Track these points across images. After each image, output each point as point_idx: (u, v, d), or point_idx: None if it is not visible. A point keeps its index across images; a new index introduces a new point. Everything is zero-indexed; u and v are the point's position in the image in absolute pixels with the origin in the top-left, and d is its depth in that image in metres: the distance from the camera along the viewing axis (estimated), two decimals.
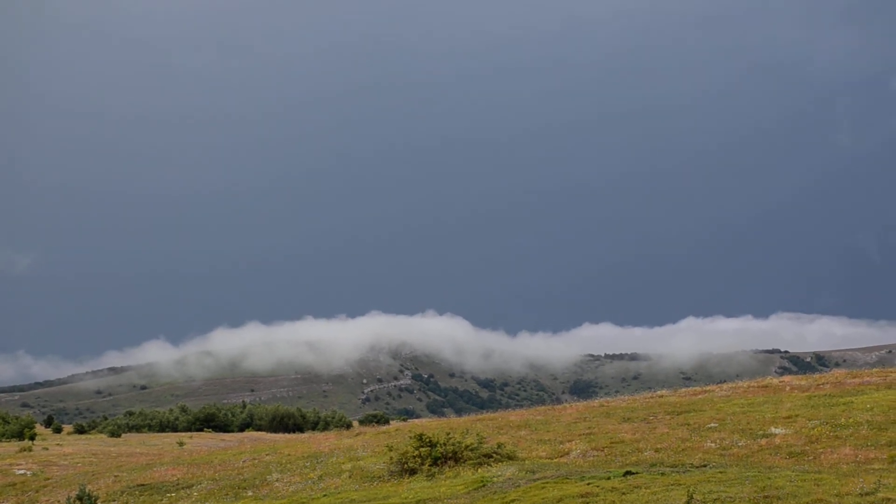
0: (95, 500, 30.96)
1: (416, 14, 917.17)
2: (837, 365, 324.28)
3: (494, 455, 28.79)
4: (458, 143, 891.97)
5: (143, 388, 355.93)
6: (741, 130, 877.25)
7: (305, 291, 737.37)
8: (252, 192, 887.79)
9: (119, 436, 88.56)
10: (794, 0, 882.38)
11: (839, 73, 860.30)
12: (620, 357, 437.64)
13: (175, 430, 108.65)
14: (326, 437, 49.05)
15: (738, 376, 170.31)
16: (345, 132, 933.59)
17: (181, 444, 73.50)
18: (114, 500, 34.85)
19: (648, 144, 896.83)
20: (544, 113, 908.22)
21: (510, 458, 28.83)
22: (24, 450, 63.06)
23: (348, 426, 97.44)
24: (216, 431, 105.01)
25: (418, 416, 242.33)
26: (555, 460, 28.92)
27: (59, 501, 36.84)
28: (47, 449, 65.76)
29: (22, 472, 48.13)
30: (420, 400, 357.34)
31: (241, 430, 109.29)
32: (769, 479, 20.96)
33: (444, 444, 29.22)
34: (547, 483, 23.32)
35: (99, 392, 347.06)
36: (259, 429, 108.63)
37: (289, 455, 38.61)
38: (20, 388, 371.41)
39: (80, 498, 30.55)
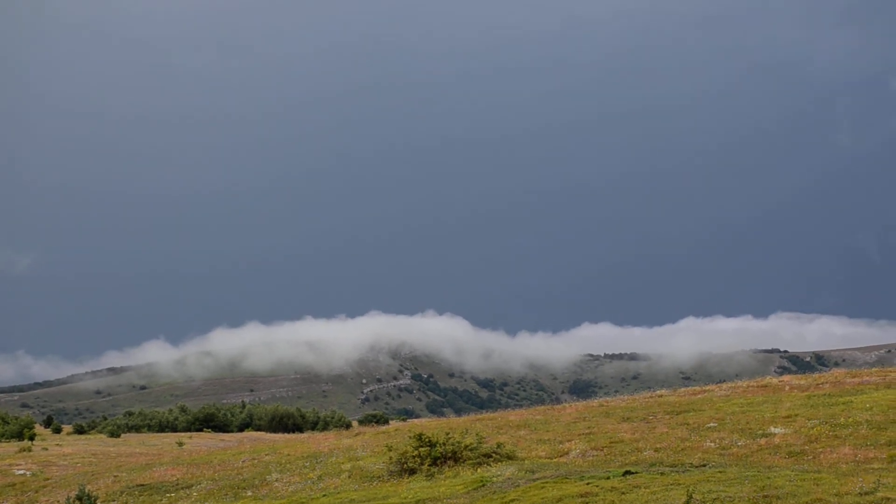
0: (95, 500, 30.96)
1: (416, 14, 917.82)
2: (837, 364, 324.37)
3: (494, 455, 28.80)
4: (457, 143, 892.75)
5: (143, 388, 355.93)
6: (741, 130, 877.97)
7: (305, 291, 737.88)
8: (251, 192, 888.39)
9: (118, 436, 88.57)
10: (794, 0, 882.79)
11: (839, 74, 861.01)
12: (620, 357, 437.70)
13: (174, 430, 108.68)
14: (326, 437, 49.05)
15: (738, 376, 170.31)
16: (344, 132, 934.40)
17: (180, 444, 73.51)
18: (113, 501, 34.85)
19: (648, 144, 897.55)
20: (544, 113, 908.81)
21: (509, 457, 28.84)
22: (24, 450, 63.07)
23: (348, 426, 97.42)
24: (215, 431, 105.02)
25: (418, 416, 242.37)
26: (554, 460, 28.92)
27: (58, 501, 36.84)
28: (47, 449, 65.77)
29: (21, 472, 48.13)
30: (419, 400, 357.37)
31: (241, 430, 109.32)
32: (768, 478, 20.97)
33: (444, 444, 29.23)
34: (546, 483, 23.33)
35: (98, 392, 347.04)
36: (258, 429, 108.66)
37: (288, 455, 38.62)
38: (20, 389, 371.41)
39: (79, 498, 30.54)
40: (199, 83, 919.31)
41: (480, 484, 24.93)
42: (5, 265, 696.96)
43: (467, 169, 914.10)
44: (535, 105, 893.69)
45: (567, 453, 29.86)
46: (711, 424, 31.71)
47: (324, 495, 27.83)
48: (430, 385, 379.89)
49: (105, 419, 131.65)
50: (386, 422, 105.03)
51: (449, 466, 28.41)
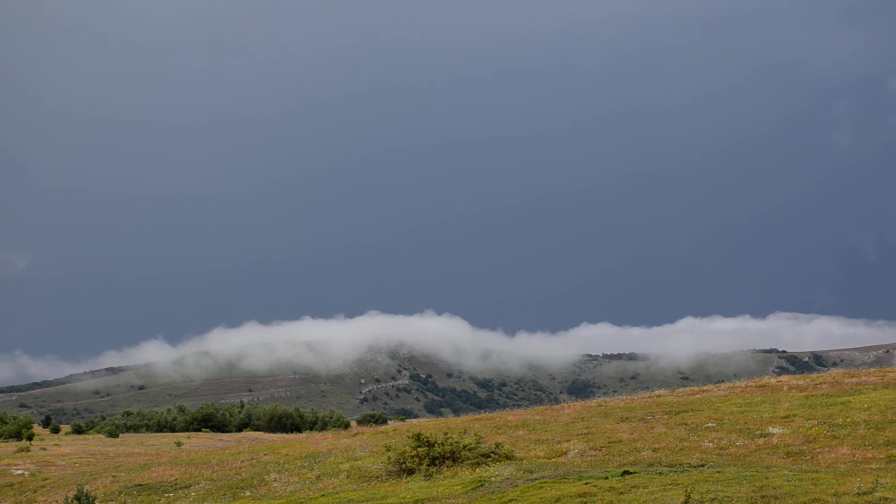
0: (93, 500, 30.94)
1: (416, 16, 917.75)
2: (835, 364, 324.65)
3: (492, 455, 28.81)
4: (457, 145, 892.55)
5: (141, 388, 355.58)
6: (739, 132, 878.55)
7: (303, 291, 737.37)
8: (250, 193, 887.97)
9: (117, 436, 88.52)
10: (794, 1, 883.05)
11: (839, 74, 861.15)
12: (618, 357, 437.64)
13: (173, 430, 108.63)
14: (324, 437, 49.04)
15: (736, 376, 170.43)
16: (343, 133, 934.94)
17: (179, 444, 73.47)
18: (112, 501, 34.83)
19: (647, 145, 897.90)
20: (543, 114, 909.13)
21: (508, 457, 28.85)
22: (22, 450, 63.03)
23: (346, 426, 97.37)
24: (214, 431, 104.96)
25: (416, 416, 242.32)
26: (552, 460, 28.93)
27: (56, 502, 36.83)
28: (45, 449, 65.72)
29: (20, 472, 48.09)
30: (418, 400, 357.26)
31: (239, 430, 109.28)
32: (767, 478, 20.99)
33: (442, 444, 29.24)
34: (545, 483, 23.34)
35: (97, 392, 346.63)
36: (257, 429, 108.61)
37: (287, 455, 38.62)
38: (18, 389, 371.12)
39: (77, 498, 30.52)
40: (197, 85, 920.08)
41: (479, 484, 24.94)
42: (4, 265, 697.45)
43: (466, 170, 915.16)
44: (535, 106, 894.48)
45: (565, 453, 29.88)
46: (710, 424, 31.73)
47: (322, 495, 27.83)
48: (428, 385, 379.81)
49: (103, 419, 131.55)
50: (384, 422, 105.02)
51: (447, 466, 28.42)
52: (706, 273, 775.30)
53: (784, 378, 45.24)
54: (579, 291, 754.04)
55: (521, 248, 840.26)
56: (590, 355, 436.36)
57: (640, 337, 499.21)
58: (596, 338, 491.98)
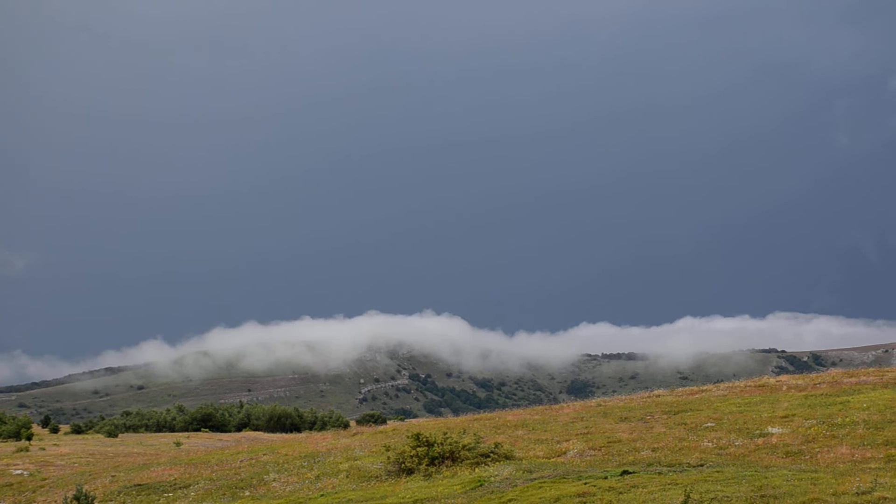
0: (92, 500, 30.93)
1: (417, 16, 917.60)
2: (834, 364, 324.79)
3: (492, 455, 28.82)
4: (456, 145, 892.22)
5: (140, 388, 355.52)
6: (740, 132, 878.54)
7: (303, 291, 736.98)
8: (249, 194, 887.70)
9: (116, 436, 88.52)
10: (794, 1, 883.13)
11: (839, 74, 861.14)
12: (618, 357, 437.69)
13: (172, 430, 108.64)
14: (324, 436, 49.06)
15: (735, 376, 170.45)
16: (343, 133, 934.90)
17: (178, 444, 73.46)
18: (111, 500, 34.83)
19: (646, 146, 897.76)
20: (543, 114, 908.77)
21: (507, 457, 28.85)
22: (21, 450, 63.01)
23: (345, 426, 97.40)
24: (213, 431, 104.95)
25: (415, 416, 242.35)
26: (552, 460, 28.94)
27: (55, 501, 36.82)
28: (44, 449, 65.71)
29: (19, 472, 48.08)
30: (417, 400, 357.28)
31: (239, 430, 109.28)
32: (766, 478, 21.00)
33: (442, 444, 29.25)
34: (544, 483, 23.34)
35: (96, 392, 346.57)
36: (256, 429, 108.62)
37: (286, 455, 38.62)
38: (17, 389, 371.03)
39: (76, 498, 30.52)
40: (196, 85, 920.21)
41: (478, 484, 24.94)
42: (3, 265, 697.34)
43: (465, 170, 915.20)
44: (535, 106, 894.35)
45: (565, 453, 29.88)
46: (709, 424, 31.74)
47: (321, 495, 27.83)
48: (427, 385, 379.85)
49: (102, 419, 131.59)
50: (384, 422, 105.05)
51: (447, 466, 28.43)
52: (705, 273, 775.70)
53: (783, 378, 45.27)
54: (579, 291, 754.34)
55: (520, 248, 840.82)
56: (589, 355, 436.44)
57: (640, 337, 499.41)
58: (595, 338, 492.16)
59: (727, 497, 19.24)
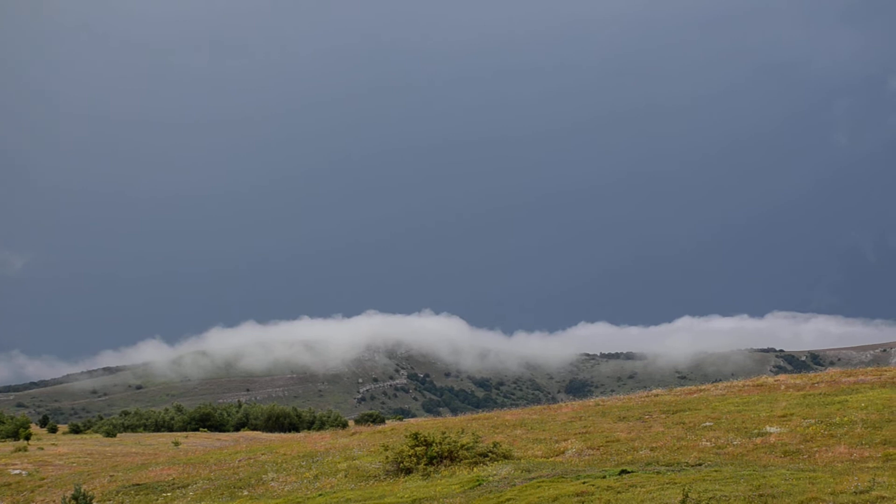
0: (91, 499, 30.92)
1: (417, 16, 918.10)
2: (832, 364, 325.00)
3: (490, 454, 28.82)
4: (456, 145, 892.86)
5: (139, 387, 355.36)
6: (740, 132, 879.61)
7: (301, 291, 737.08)
8: (248, 194, 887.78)
9: (114, 435, 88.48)
10: (794, 1, 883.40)
11: (839, 74, 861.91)
12: (616, 356, 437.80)
13: (170, 429, 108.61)
14: (322, 436, 49.05)
15: (734, 375, 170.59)
16: (343, 133, 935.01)
17: (177, 443, 73.42)
18: (109, 500, 34.82)
19: (645, 146, 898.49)
20: (544, 114, 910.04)
21: (506, 457, 28.86)
22: (20, 450, 62.97)
23: (344, 426, 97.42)
24: (212, 431, 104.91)
25: (414, 416, 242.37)
26: (550, 459, 28.95)
27: (54, 501, 36.81)
28: (42, 449, 65.67)
29: (17, 472, 48.04)
30: (416, 399, 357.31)
31: (237, 429, 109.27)
32: (764, 477, 21.02)
33: (440, 444, 29.25)
34: (542, 482, 23.35)
35: (94, 392, 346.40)
36: (255, 428, 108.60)
37: (284, 454, 38.61)
38: (15, 388, 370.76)
39: (75, 498, 30.50)
40: (196, 85, 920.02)
41: (477, 483, 24.95)
42: (1, 265, 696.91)
43: (464, 170, 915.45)
44: (535, 106, 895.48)
45: (563, 452, 29.89)
46: (707, 424, 31.75)
47: (320, 494, 27.83)
48: (426, 384, 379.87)
49: (101, 419, 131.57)
50: (382, 421, 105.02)
51: (445, 466, 28.43)
52: (704, 273, 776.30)
53: (781, 377, 45.29)
54: (577, 291, 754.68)
55: (519, 248, 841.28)
56: (588, 355, 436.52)
57: (638, 336, 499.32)
58: (594, 337, 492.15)
59: (725, 496, 19.25)
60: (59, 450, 65.03)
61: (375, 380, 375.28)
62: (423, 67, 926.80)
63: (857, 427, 27.84)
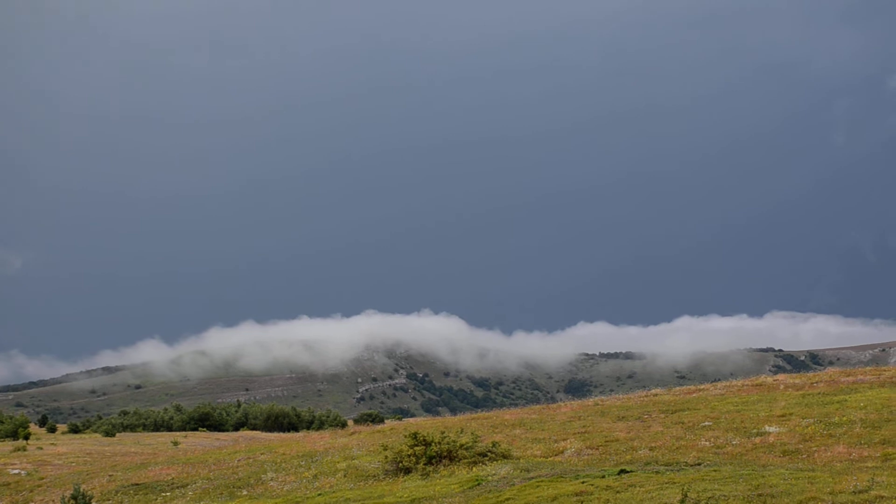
0: (90, 499, 30.91)
1: (417, 16, 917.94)
2: (831, 363, 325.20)
3: (489, 454, 28.83)
4: (455, 145, 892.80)
5: (138, 387, 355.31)
6: (740, 132, 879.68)
7: (300, 291, 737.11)
8: (247, 193, 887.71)
9: (113, 435, 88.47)
10: (794, 1, 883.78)
11: (838, 74, 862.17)
12: (615, 356, 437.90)
13: (170, 429, 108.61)
14: (321, 436, 49.04)
15: (733, 375, 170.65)
16: (342, 133, 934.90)
17: (176, 443, 73.41)
18: (108, 500, 34.81)
19: (644, 146, 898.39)
20: (544, 114, 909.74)
21: (505, 456, 28.86)
22: (19, 449, 62.95)
23: (343, 425, 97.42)
24: (211, 431, 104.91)
25: (413, 416, 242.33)
26: (549, 459, 28.96)
27: (53, 501, 36.80)
28: (41, 448, 65.66)
29: (16, 471, 48.03)
30: (415, 399, 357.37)
31: (236, 429, 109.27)
32: (763, 477, 21.03)
33: (439, 443, 29.25)
34: (541, 482, 23.35)
35: (93, 391, 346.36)
36: (254, 428, 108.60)
37: (283, 454, 38.60)
38: (14, 388, 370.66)
39: (74, 497, 30.49)
40: (196, 85, 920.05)
41: (476, 483, 24.95)
42: (0, 264, 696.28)
43: (463, 170, 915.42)
44: (535, 106, 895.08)
45: (562, 452, 29.89)
46: (706, 423, 31.76)
47: (319, 494, 27.83)
48: (425, 384, 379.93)
49: (100, 418, 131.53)
50: (381, 421, 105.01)
51: (444, 465, 28.44)
52: (703, 272, 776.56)
53: (780, 377, 45.31)
54: (576, 291, 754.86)
55: (518, 248, 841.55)
56: (587, 354, 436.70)
57: (637, 336, 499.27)
58: (593, 337, 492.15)
59: (724, 496, 19.26)
60: (58, 449, 65.02)
61: (374, 379, 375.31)
62: (423, 67, 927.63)
63: (856, 427, 27.86)
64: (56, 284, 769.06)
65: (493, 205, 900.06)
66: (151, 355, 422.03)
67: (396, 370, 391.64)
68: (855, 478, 19.90)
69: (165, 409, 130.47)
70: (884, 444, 25.33)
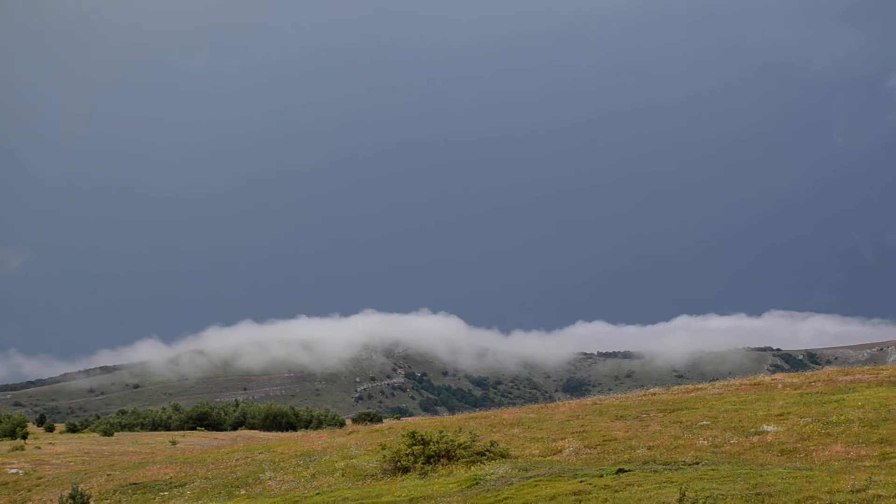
0: (88, 498, 30.88)
1: (417, 16, 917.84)
2: (829, 363, 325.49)
3: (487, 453, 28.83)
4: (455, 145, 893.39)
5: (136, 386, 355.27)
6: (739, 132, 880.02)
7: (299, 290, 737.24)
8: (246, 193, 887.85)
9: (112, 434, 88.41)
10: (792, 0, 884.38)
11: (838, 73, 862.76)
12: (613, 355, 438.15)
13: (168, 428, 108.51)
14: (319, 435, 49.02)
15: (731, 374, 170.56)
16: (342, 133, 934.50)
17: (174, 442, 73.35)
18: (106, 499, 34.79)
19: (643, 146, 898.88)
20: (544, 114, 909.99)
21: (503, 456, 28.87)
22: (17, 449, 62.88)
23: (341, 424, 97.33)
24: (209, 430, 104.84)
25: (411, 415, 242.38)
26: (548, 458, 28.96)
27: (51, 500, 36.78)
28: (39, 448, 65.59)
29: (14, 471, 47.98)
30: (413, 398, 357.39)
31: (234, 428, 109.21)
32: (761, 476, 21.04)
33: (437, 443, 29.25)
34: (540, 481, 23.36)
35: (91, 391, 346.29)
36: (252, 427, 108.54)
37: (282, 453, 38.59)
38: (12, 387, 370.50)
39: (72, 497, 30.47)
40: (195, 84, 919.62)
41: (474, 482, 24.95)
42: None
43: (462, 170, 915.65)
44: (535, 106, 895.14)
45: (560, 451, 29.90)
46: (704, 422, 31.78)
47: (317, 493, 27.82)
48: (423, 383, 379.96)
49: (98, 418, 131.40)
50: (379, 420, 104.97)
51: (442, 465, 28.44)
52: (702, 272, 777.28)
53: (778, 376, 45.34)
54: (575, 290, 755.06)
55: (517, 247, 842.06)
56: (585, 353, 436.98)
57: (636, 335, 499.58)
58: (591, 336, 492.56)
59: (722, 495, 19.27)
60: (56, 449, 64.96)
61: (373, 379, 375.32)
62: (423, 67, 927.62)
63: (854, 426, 27.88)
64: (54, 284, 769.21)
65: (492, 204, 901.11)
66: (149, 355, 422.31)
67: (395, 369, 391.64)
68: (853, 477, 19.92)
69: (163, 409, 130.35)
70: (881, 443, 25.35)
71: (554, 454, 29.73)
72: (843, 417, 29.29)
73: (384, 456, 30.23)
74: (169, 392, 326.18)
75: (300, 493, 28.83)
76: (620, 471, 23.26)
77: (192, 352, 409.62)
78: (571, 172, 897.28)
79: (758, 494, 19.06)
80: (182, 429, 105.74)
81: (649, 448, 28.19)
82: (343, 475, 30.78)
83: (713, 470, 22.48)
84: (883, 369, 42.77)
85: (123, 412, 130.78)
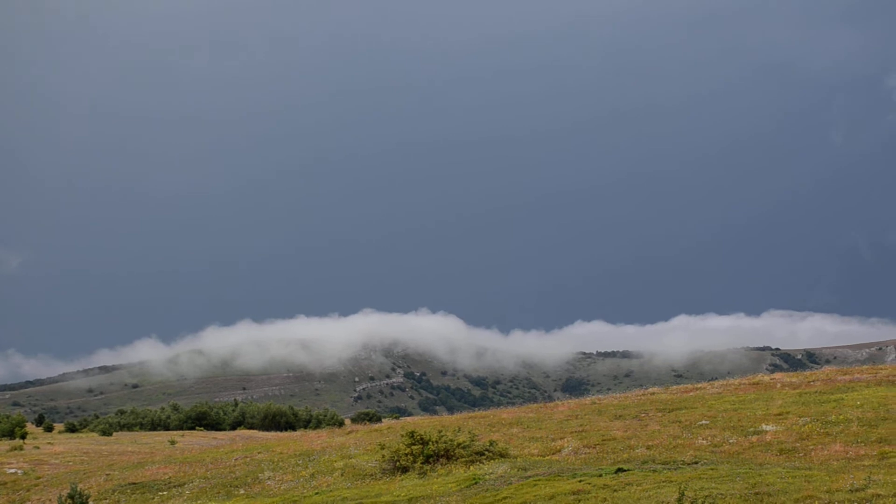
0: (87, 498, 30.87)
1: (417, 16, 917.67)
2: (828, 362, 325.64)
3: (486, 453, 28.83)
4: (455, 145, 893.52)
5: (135, 386, 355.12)
6: (739, 132, 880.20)
7: (298, 290, 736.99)
8: (245, 193, 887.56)
9: (110, 434, 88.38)
10: (792, 0, 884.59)
11: (837, 73, 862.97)
12: (612, 355, 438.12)
13: (167, 428, 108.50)
14: (318, 435, 49.01)
15: (730, 374, 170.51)
16: (341, 133, 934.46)
17: (173, 442, 73.35)
18: (105, 499, 34.77)
19: (642, 146, 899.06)
20: (544, 114, 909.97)
21: (502, 455, 28.86)
22: (15, 448, 62.86)
23: (340, 424, 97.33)
24: (208, 430, 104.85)
25: (410, 415, 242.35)
26: (547, 458, 28.96)
27: (50, 500, 36.76)
28: (38, 448, 65.56)
29: (13, 470, 47.95)
30: (412, 398, 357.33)
31: (233, 428, 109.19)
32: (760, 475, 21.05)
33: (436, 442, 29.25)
34: (539, 480, 23.35)
35: (90, 391, 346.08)
36: (251, 427, 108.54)
37: (281, 453, 38.58)
38: (11, 387, 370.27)
39: (71, 497, 30.46)
40: (195, 84, 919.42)
41: (473, 482, 24.95)
42: None
43: (461, 169, 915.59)
44: (535, 106, 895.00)
45: (559, 451, 29.90)
46: (703, 422, 31.78)
47: (316, 493, 27.81)
48: (422, 383, 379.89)
49: (97, 418, 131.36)
50: (379, 420, 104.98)
51: (441, 464, 28.44)
52: (700, 271, 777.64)
53: (777, 376, 45.35)
54: (574, 290, 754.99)
55: (516, 247, 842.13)
56: (584, 353, 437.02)
57: (634, 335, 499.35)
58: (590, 336, 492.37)
59: (721, 494, 19.27)
60: (55, 449, 64.94)
61: (372, 378, 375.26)
62: (423, 67, 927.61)
63: (853, 425, 27.89)
64: (53, 284, 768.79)
65: (492, 204, 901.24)
66: (148, 354, 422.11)
67: (394, 369, 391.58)
68: (851, 476, 19.92)
69: (162, 409, 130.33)
70: (880, 442, 25.36)
71: (553, 454, 29.73)
72: (841, 417, 29.30)
73: (383, 455, 30.23)
74: (168, 392, 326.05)
75: (299, 492, 28.82)
76: (619, 470, 23.27)
77: (191, 351, 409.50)
78: (571, 172, 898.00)
79: (757, 494, 19.06)
80: (181, 428, 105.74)
81: (648, 447, 28.20)
82: (342, 475, 30.77)
83: (712, 469, 22.48)
84: (882, 369, 42.79)
85: (122, 412, 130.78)
